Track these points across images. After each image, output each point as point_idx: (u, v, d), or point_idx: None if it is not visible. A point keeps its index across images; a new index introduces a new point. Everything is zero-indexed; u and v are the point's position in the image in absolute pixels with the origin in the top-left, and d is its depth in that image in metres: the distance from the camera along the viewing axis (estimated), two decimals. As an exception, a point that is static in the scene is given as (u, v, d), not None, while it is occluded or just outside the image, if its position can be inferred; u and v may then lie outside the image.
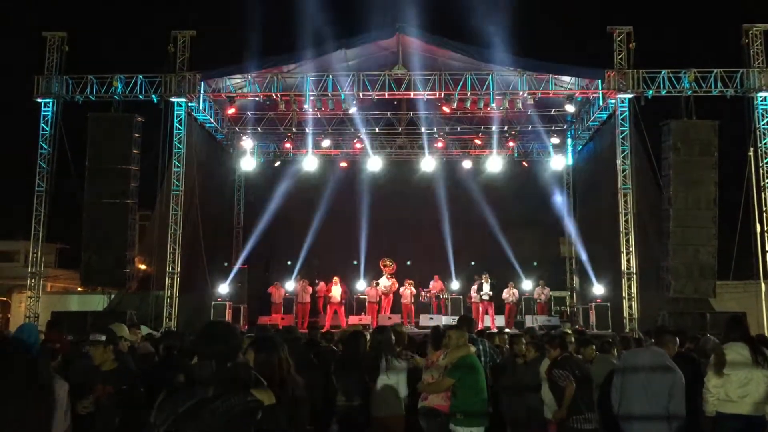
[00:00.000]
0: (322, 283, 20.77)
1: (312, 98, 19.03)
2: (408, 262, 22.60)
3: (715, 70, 17.97)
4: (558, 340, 7.09)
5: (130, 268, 18.17)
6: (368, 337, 7.70)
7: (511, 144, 22.77)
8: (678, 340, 6.57)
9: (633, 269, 17.82)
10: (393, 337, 7.27)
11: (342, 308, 19.89)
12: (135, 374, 5.67)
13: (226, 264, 21.88)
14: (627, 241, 17.93)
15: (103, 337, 5.52)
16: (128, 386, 5.42)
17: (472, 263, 22.72)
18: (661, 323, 15.95)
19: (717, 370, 5.82)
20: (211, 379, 3.31)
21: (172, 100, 18.55)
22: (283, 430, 3.84)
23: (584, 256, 21.27)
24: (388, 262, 20.92)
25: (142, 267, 20.48)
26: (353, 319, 19.39)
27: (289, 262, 23.12)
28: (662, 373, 5.93)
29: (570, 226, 23.81)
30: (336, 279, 20.11)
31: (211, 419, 3.19)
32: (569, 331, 9.46)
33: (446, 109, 20.67)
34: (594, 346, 8.04)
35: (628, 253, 17.89)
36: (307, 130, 22.74)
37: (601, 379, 6.93)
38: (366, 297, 20.40)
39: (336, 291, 19.83)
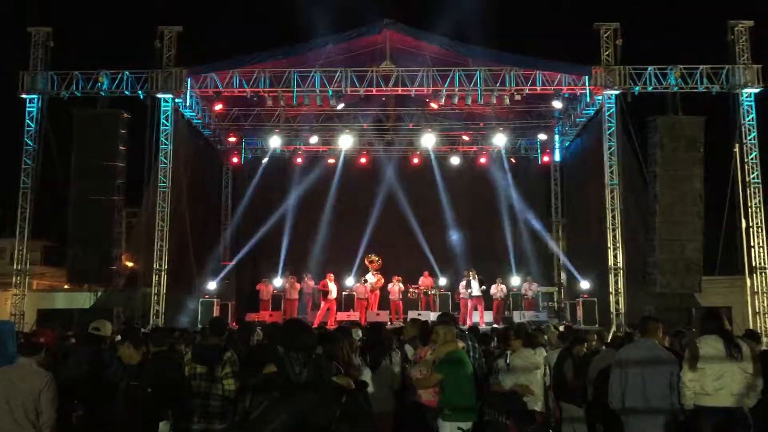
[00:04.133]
0: (310, 280, 20.62)
1: (299, 94, 18.96)
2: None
3: (701, 67, 18.05)
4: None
5: (116, 266, 18.04)
6: (359, 334, 7.74)
7: (498, 140, 22.79)
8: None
9: (620, 265, 17.88)
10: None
11: (334, 305, 19.83)
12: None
13: (213, 260, 21.76)
14: (614, 236, 17.99)
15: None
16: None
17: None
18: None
19: (691, 365, 5.85)
20: (301, 369, 3.81)
21: (159, 96, 18.41)
22: (363, 411, 4.44)
23: (572, 252, 21.33)
24: (374, 258, 20.86)
25: (129, 264, 20.36)
26: (341, 316, 19.39)
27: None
28: (657, 366, 5.98)
29: (558, 222, 23.92)
30: (330, 275, 20.04)
31: (304, 401, 3.66)
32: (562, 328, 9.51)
33: (434, 105, 20.68)
34: (585, 344, 8.26)
35: (615, 249, 17.96)
36: (294, 126, 22.74)
37: (596, 373, 7.18)
38: (355, 293, 20.35)
39: (332, 287, 19.76)
